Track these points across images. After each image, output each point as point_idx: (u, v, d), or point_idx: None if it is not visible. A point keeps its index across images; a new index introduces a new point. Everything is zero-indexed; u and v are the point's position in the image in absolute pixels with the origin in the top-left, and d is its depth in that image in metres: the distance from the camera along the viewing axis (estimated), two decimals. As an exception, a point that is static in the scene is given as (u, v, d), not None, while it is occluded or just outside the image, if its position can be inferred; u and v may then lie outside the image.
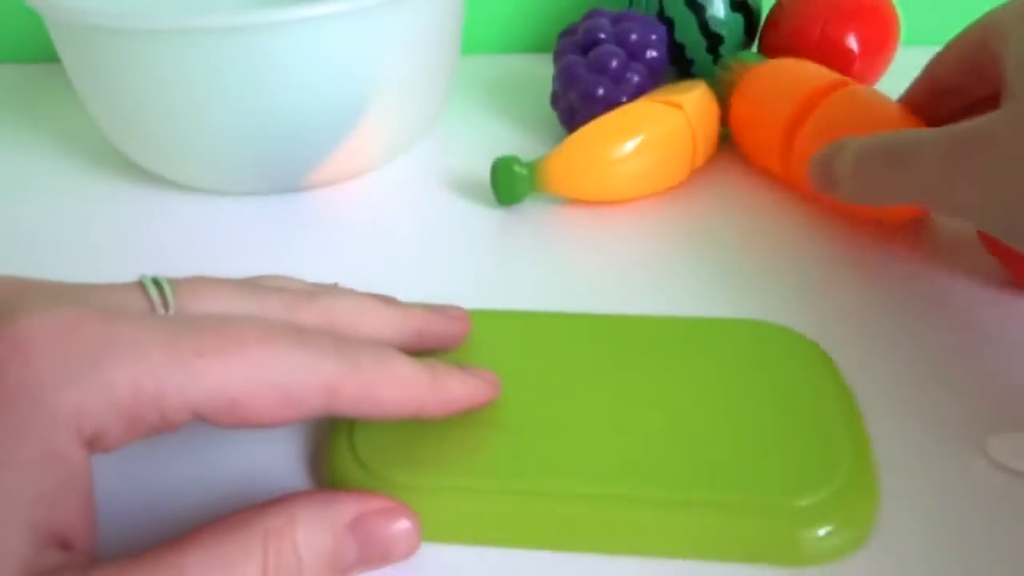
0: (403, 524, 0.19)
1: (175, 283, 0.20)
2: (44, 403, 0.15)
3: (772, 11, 0.42)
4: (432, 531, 0.20)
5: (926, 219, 0.32)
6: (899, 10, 0.41)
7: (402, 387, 0.19)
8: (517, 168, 0.33)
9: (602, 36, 0.38)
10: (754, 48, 0.44)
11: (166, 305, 0.19)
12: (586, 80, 0.37)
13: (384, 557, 0.18)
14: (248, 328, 0.18)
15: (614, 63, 0.37)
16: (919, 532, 0.20)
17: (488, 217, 0.34)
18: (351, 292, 0.22)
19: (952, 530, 0.20)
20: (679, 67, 0.43)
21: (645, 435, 0.21)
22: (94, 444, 0.16)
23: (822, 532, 0.19)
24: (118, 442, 0.17)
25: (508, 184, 0.33)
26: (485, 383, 0.21)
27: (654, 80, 0.38)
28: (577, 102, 0.38)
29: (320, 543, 0.17)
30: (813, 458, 0.20)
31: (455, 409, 0.20)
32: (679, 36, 0.42)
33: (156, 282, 0.20)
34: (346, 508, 0.18)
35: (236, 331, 0.17)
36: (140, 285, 0.20)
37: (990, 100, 0.27)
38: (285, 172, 0.35)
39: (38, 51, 0.53)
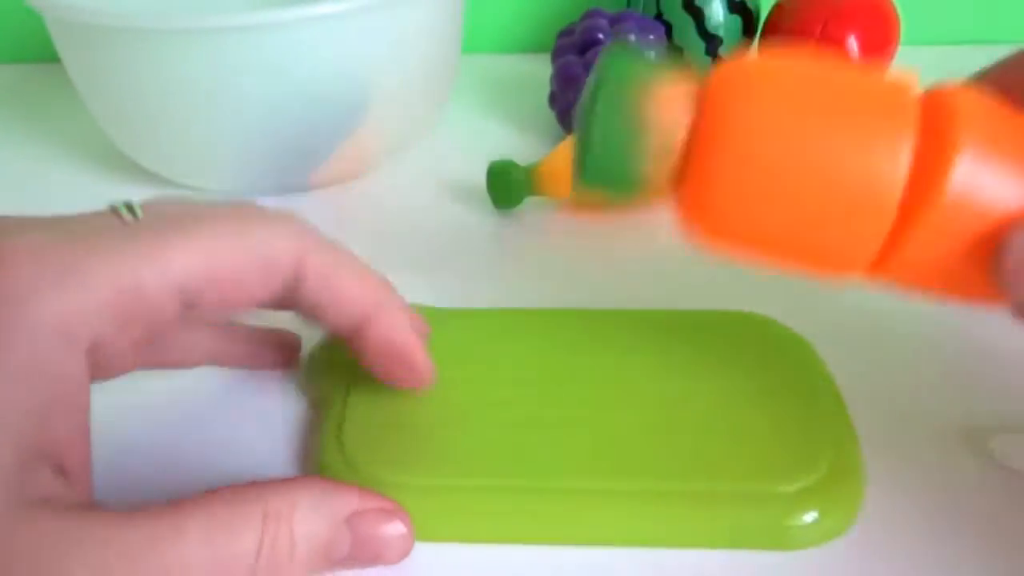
0: (398, 527, 0.19)
1: (146, 202, 0.20)
2: (25, 312, 0.15)
3: (772, 12, 0.42)
4: (422, 530, 0.20)
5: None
6: (899, 10, 0.41)
7: (362, 279, 0.20)
8: (513, 172, 0.33)
9: (600, 36, 0.38)
10: (753, 50, 0.44)
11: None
12: (584, 80, 0.37)
13: (376, 558, 0.18)
14: (216, 206, 0.18)
15: (613, 64, 0.37)
16: (904, 518, 0.20)
17: (486, 217, 0.34)
18: None
19: (934, 516, 0.20)
20: (678, 68, 0.43)
21: (632, 427, 0.21)
22: (96, 353, 0.16)
23: (808, 518, 0.19)
24: (117, 345, 0.17)
25: (504, 190, 0.33)
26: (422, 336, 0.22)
27: (653, 81, 0.38)
28: (575, 102, 0.38)
29: (316, 531, 0.17)
30: (798, 445, 0.20)
31: (399, 336, 0.20)
32: (677, 39, 0.42)
33: (128, 205, 0.20)
34: (346, 501, 0.18)
35: (205, 210, 0.18)
36: (112, 209, 0.20)
37: None
38: (283, 173, 0.35)
39: (38, 51, 0.53)
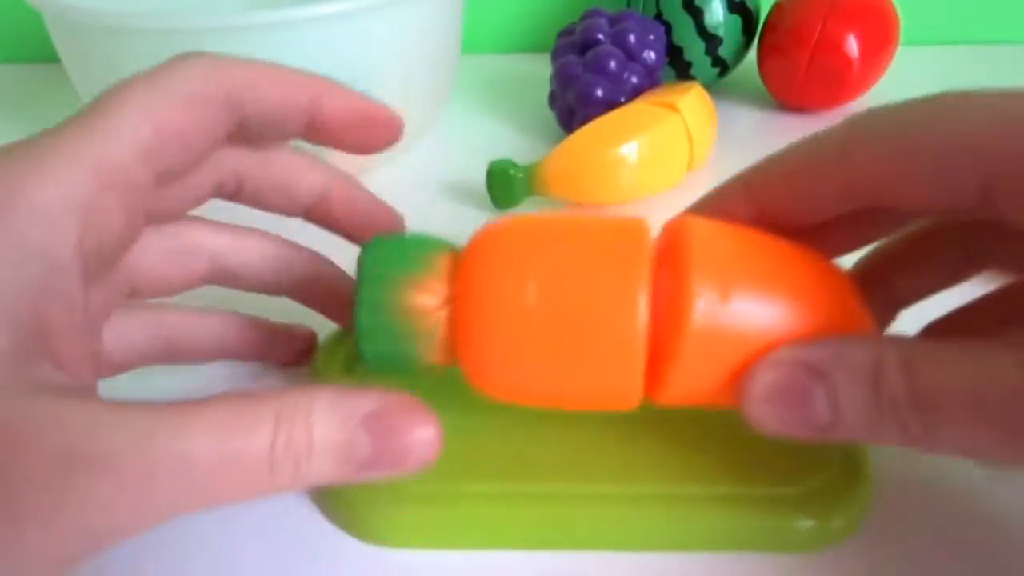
0: (424, 431, 0.17)
1: None
2: (14, 202, 0.16)
3: (771, 12, 0.42)
4: (422, 537, 0.20)
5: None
6: (899, 10, 0.41)
7: (295, 72, 0.21)
8: (513, 172, 0.33)
9: (600, 36, 0.38)
10: (753, 50, 0.44)
11: None
12: (584, 80, 0.37)
13: (398, 461, 0.17)
14: (132, 77, 0.19)
15: (612, 64, 0.37)
16: (912, 520, 0.20)
17: (486, 217, 0.34)
18: None
19: (941, 519, 0.20)
20: (677, 69, 0.43)
21: (635, 431, 0.21)
22: (86, 242, 0.16)
23: (815, 521, 0.19)
24: (107, 235, 0.17)
25: (504, 188, 0.33)
26: None
27: (652, 81, 0.38)
28: (575, 102, 0.38)
29: (332, 432, 0.16)
30: (805, 448, 0.20)
31: (352, 100, 0.22)
32: (677, 38, 0.42)
33: None
34: (363, 401, 0.17)
35: (122, 86, 0.19)
36: None
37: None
38: (283, 173, 0.35)
39: (38, 51, 0.53)
